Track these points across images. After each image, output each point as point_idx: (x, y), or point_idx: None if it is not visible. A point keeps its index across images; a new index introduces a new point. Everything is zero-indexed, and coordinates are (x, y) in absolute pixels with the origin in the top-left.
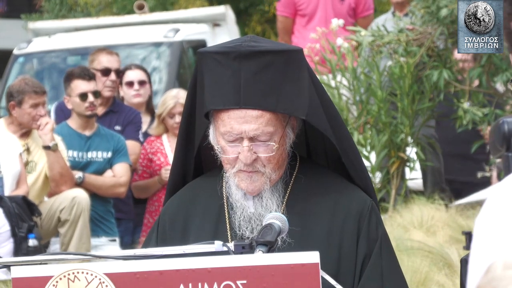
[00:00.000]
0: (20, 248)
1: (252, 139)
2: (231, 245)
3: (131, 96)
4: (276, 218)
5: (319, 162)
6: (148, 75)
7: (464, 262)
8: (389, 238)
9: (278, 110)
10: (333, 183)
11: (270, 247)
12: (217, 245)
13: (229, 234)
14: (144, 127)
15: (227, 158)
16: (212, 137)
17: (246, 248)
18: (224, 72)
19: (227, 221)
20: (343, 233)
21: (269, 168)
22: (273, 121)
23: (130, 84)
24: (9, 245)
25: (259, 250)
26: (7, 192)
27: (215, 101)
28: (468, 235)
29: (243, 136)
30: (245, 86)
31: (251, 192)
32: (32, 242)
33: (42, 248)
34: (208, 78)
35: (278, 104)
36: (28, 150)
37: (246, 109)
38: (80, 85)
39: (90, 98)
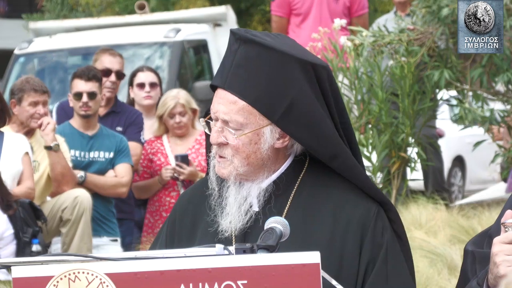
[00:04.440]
0: (23, 252)
1: (224, 122)
2: (232, 248)
3: (142, 98)
4: (277, 222)
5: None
6: (159, 78)
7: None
8: (397, 243)
9: (252, 104)
10: (339, 188)
11: (271, 251)
12: (218, 248)
13: (221, 225)
14: (153, 129)
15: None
16: None
17: (247, 252)
18: (228, 51)
19: None
20: (345, 239)
21: (236, 158)
22: (245, 113)
23: (141, 86)
24: (12, 247)
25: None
26: None
27: (216, 77)
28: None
29: (218, 116)
30: (234, 70)
31: (220, 175)
32: (35, 247)
33: (45, 253)
34: (224, 54)
35: (255, 99)
36: (31, 150)
37: (227, 91)
38: (78, 84)
39: (84, 98)
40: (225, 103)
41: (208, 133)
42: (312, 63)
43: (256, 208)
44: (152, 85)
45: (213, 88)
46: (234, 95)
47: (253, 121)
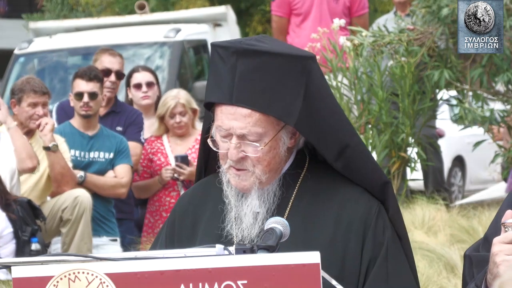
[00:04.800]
0: (22, 251)
1: (241, 137)
2: (232, 249)
3: (139, 98)
4: (277, 222)
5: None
6: (156, 77)
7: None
8: (398, 241)
9: (268, 112)
10: (340, 187)
11: (271, 252)
12: (218, 248)
13: (235, 235)
14: (153, 129)
15: (220, 153)
16: (213, 130)
17: (247, 252)
18: (223, 66)
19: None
20: (347, 238)
21: (258, 168)
22: (263, 123)
23: (138, 86)
24: (11, 246)
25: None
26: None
27: (212, 94)
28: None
29: (232, 133)
30: (239, 83)
31: (240, 189)
32: (35, 246)
33: (44, 251)
34: (211, 70)
35: (269, 106)
36: None
37: (237, 106)
38: (79, 84)
39: (85, 98)
40: (239, 118)
41: (216, 150)
42: (313, 58)
43: (258, 209)
44: (149, 84)
45: (209, 105)
46: (247, 108)
47: (271, 128)
